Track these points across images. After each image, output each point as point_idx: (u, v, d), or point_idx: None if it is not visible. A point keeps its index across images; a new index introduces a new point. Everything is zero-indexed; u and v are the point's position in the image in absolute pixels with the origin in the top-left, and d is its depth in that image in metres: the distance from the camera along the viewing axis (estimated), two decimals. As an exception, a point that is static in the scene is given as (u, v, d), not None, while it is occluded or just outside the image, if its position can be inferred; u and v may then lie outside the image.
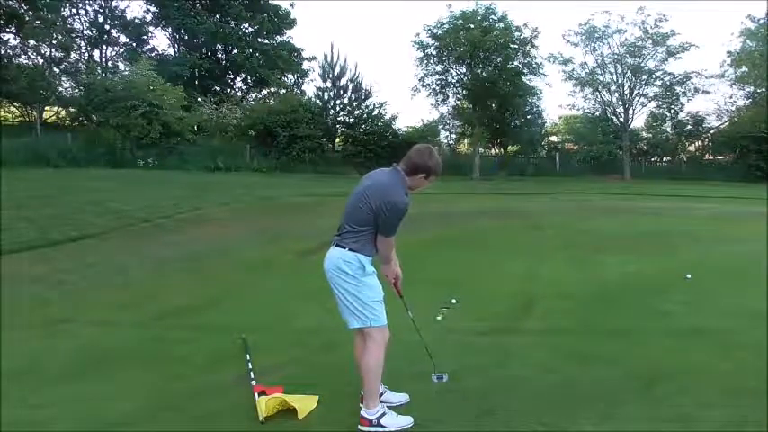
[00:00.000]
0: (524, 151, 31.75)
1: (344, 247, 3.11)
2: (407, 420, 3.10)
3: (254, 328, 4.76)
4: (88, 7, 31.57)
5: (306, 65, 35.57)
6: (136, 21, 32.81)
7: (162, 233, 9.84)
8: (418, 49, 26.86)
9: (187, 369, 3.99)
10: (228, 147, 25.29)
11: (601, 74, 28.54)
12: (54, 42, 26.95)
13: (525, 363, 3.97)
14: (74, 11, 30.81)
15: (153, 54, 32.09)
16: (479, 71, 26.46)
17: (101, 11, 31.91)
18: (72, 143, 21.68)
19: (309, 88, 34.54)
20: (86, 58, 31.61)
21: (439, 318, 4.98)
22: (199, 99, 28.27)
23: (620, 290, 6.08)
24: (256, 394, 3.30)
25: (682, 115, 30.46)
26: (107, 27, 32.07)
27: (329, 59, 28.54)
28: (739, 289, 6.02)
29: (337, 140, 28.92)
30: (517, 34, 25.86)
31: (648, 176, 27.73)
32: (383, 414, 3.08)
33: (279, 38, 34.71)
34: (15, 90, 24.66)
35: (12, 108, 28.67)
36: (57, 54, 28.27)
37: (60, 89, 28.06)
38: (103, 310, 5.64)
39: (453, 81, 27.63)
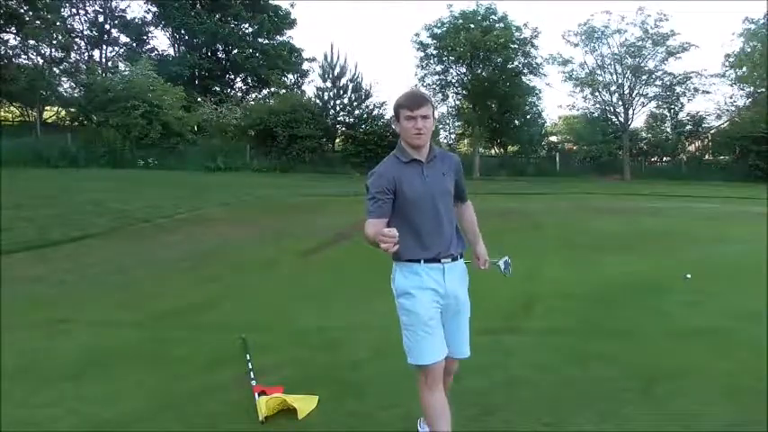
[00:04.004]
0: (524, 151, 31.76)
1: None
2: None
3: (254, 328, 4.75)
4: (88, 7, 31.61)
5: (306, 65, 35.63)
6: (136, 21, 32.85)
7: (162, 233, 9.83)
8: (418, 49, 26.90)
9: (187, 369, 3.99)
10: (228, 147, 25.30)
11: (601, 74, 28.54)
12: (54, 42, 26.95)
13: (525, 363, 3.97)
14: (74, 11, 30.85)
15: (153, 54, 32.13)
16: (479, 71, 26.46)
17: (101, 11, 31.94)
18: (72, 143, 21.70)
19: (309, 88, 34.63)
20: (86, 58, 31.66)
21: None
22: (199, 99, 28.30)
23: (620, 290, 6.07)
24: (256, 394, 3.30)
25: (682, 115, 30.52)
26: (107, 27, 32.09)
27: (329, 59, 28.56)
28: (739, 289, 6.02)
29: (337, 140, 28.93)
30: (517, 34, 25.87)
31: (648, 176, 27.72)
32: None
33: (279, 38, 34.73)
34: (15, 90, 24.67)
35: (12, 108, 28.68)
36: (57, 54, 28.28)
37: (60, 89, 28.10)
38: (103, 310, 5.64)
39: (453, 81, 27.66)
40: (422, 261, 2.51)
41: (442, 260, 2.53)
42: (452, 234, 2.59)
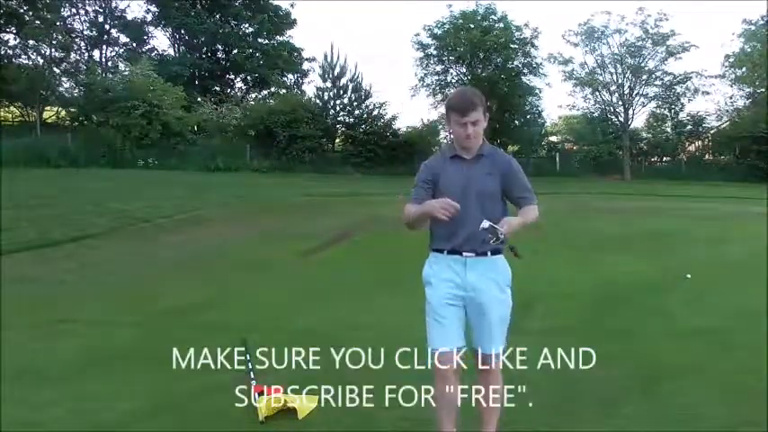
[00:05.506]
0: (524, 151, 31.74)
1: None
2: None
3: (254, 328, 4.75)
4: (88, 7, 31.65)
5: (306, 65, 35.64)
6: (136, 21, 32.88)
7: (162, 233, 9.83)
8: (418, 49, 26.94)
9: (187, 369, 3.99)
10: (228, 147, 25.31)
11: (601, 74, 28.52)
12: (54, 42, 26.98)
13: (525, 363, 3.96)
14: (74, 11, 30.88)
15: (153, 54, 32.16)
16: (479, 71, 26.47)
17: (101, 11, 31.95)
18: (72, 143, 21.71)
19: (309, 88, 34.60)
20: (86, 58, 31.68)
21: None
22: (199, 99, 28.30)
23: (620, 290, 6.08)
24: (256, 394, 3.30)
25: (682, 115, 30.49)
26: (107, 27, 32.10)
27: (329, 59, 28.55)
28: (739, 289, 6.02)
29: (337, 140, 28.93)
30: (517, 34, 25.92)
31: (648, 176, 27.70)
32: None
33: (279, 38, 34.73)
34: (15, 90, 24.71)
35: (12, 108, 28.70)
36: (57, 54, 28.31)
37: (60, 89, 28.12)
38: (103, 310, 5.63)
39: (453, 81, 27.67)
40: (445, 252, 2.59)
41: (464, 254, 2.56)
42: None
